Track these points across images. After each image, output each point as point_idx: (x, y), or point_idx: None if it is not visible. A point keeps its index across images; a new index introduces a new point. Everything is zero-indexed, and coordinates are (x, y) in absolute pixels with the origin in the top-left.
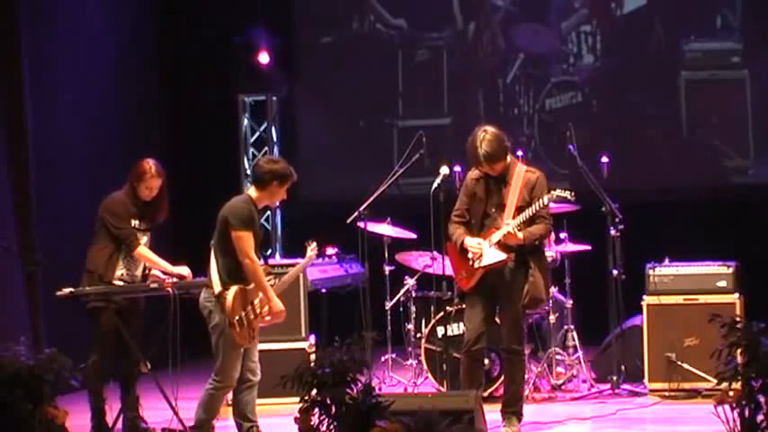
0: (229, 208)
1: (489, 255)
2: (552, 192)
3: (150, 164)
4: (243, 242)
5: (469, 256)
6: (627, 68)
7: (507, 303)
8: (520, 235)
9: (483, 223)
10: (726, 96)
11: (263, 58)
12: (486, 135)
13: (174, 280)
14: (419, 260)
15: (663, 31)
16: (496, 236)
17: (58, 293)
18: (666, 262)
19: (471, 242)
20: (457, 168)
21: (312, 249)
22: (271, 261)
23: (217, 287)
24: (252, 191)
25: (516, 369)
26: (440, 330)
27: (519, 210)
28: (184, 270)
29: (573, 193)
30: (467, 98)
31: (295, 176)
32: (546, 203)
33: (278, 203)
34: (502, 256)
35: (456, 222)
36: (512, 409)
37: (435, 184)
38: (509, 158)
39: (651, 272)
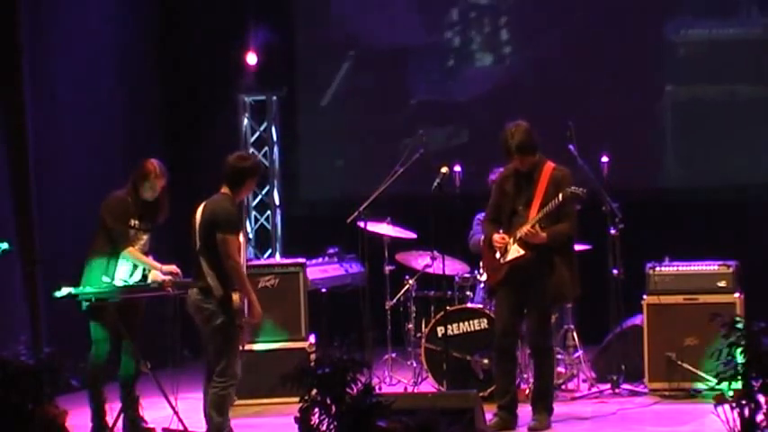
0: (217, 210)
1: (512, 250)
2: (566, 189)
3: (154, 164)
4: (228, 245)
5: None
6: (623, 64)
7: (533, 301)
8: (542, 234)
9: (511, 220)
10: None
11: (251, 58)
12: (518, 128)
13: (173, 279)
14: (419, 260)
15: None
16: (520, 232)
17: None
18: (666, 262)
19: (496, 237)
20: (457, 168)
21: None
22: (270, 261)
23: (218, 290)
24: (226, 189)
25: (543, 366)
26: (440, 330)
27: (544, 207)
28: (173, 268)
29: (584, 191)
30: (467, 94)
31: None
32: (561, 201)
33: (279, 204)
34: (521, 252)
35: (488, 220)
36: (543, 404)
37: (435, 184)
38: (538, 156)
39: (651, 272)
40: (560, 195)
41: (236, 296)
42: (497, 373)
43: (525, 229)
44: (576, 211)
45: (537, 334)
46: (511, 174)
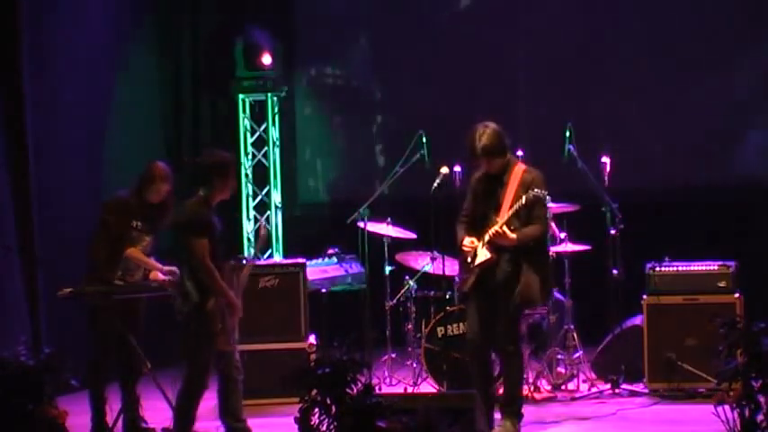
0: (185, 215)
1: (480, 254)
2: (529, 192)
3: (160, 168)
4: (197, 250)
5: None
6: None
7: (501, 304)
8: (512, 235)
9: (482, 224)
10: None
11: (266, 59)
12: (485, 130)
13: (173, 279)
14: (419, 260)
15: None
16: (487, 235)
17: (59, 293)
18: (666, 262)
19: (465, 241)
20: (457, 168)
21: (263, 228)
22: (271, 261)
23: (194, 295)
24: (201, 191)
25: (511, 369)
26: (440, 330)
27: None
28: (174, 269)
29: (546, 193)
30: (467, 94)
31: (234, 160)
32: (524, 203)
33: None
34: (489, 255)
35: (461, 223)
36: (510, 409)
37: (435, 184)
38: (509, 157)
39: (651, 272)
40: (523, 198)
41: (211, 302)
42: (475, 380)
43: (492, 230)
44: (546, 213)
45: (504, 338)
46: (482, 176)
